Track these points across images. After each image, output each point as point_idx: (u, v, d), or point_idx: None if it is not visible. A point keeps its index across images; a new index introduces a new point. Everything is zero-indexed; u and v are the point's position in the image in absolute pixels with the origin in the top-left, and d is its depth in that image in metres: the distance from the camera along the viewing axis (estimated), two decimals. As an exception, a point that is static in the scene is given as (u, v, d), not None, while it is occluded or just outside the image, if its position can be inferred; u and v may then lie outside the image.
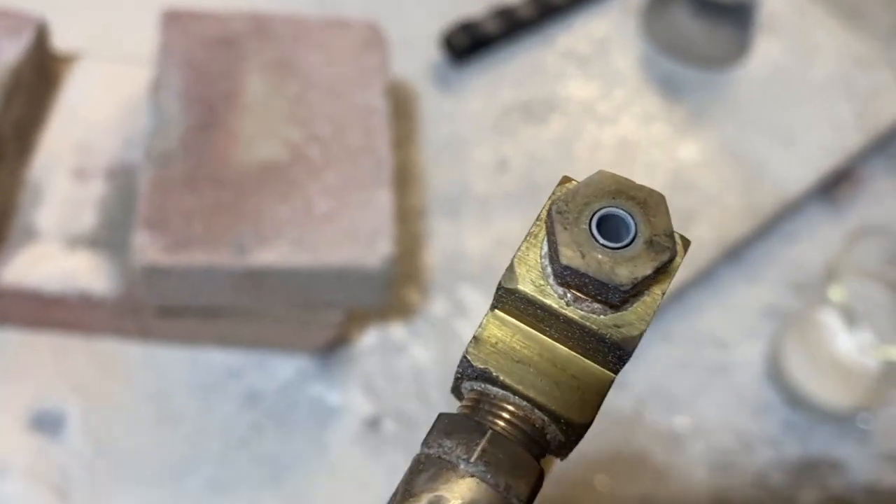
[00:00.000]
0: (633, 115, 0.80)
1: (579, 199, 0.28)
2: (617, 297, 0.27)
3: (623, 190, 0.28)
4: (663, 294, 0.28)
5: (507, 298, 0.29)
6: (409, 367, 0.64)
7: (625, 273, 0.27)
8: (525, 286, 0.29)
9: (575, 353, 0.29)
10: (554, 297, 0.28)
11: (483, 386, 0.29)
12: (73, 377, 0.61)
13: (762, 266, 0.76)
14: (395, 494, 0.27)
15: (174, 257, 0.53)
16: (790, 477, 0.66)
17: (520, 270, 0.29)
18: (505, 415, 0.28)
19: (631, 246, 0.27)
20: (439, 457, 0.27)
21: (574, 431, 0.29)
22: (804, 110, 0.83)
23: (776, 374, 0.69)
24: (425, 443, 0.28)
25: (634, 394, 0.68)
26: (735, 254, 0.75)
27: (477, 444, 0.27)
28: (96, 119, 0.65)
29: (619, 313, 0.28)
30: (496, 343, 0.29)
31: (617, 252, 0.27)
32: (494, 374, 0.29)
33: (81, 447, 0.59)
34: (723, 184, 0.76)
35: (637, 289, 0.27)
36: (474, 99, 0.78)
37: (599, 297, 0.28)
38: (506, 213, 0.72)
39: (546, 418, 0.29)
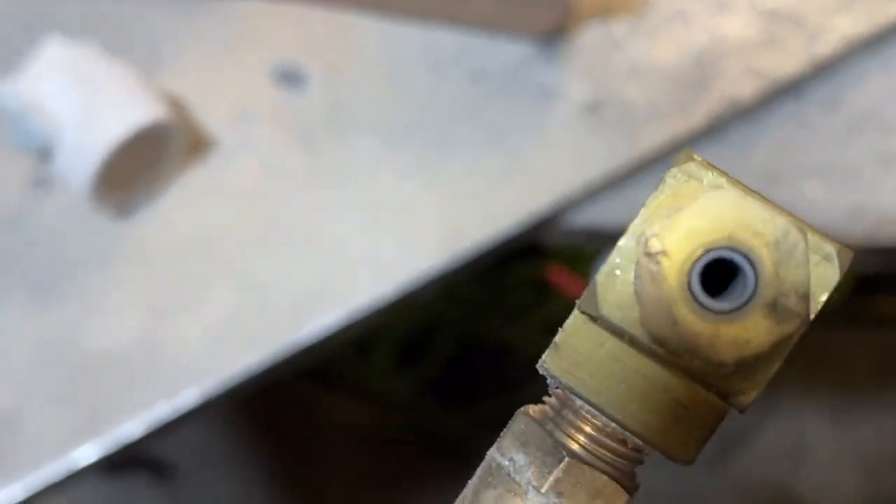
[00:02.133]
0: None
1: (680, 232, 0.20)
2: (719, 372, 0.21)
3: (747, 223, 0.20)
4: (782, 359, 0.21)
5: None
6: (629, 62, 0.65)
7: (729, 350, 0.20)
8: (611, 314, 0.22)
9: (680, 377, 0.22)
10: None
11: (566, 393, 0.24)
12: (313, 43, 0.65)
13: None
14: (463, 499, 0.25)
15: None
16: None
17: (603, 294, 0.22)
18: (589, 430, 0.24)
19: (744, 308, 0.20)
20: (509, 474, 0.24)
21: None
22: None
23: None
24: (498, 446, 0.25)
25: (849, 115, 0.67)
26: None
27: (550, 472, 0.24)
28: None
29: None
30: (582, 353, 0.23)
31: (722, 317, 0.20)
32: (577, 390, 0.23)
33: (320, 101, 0.63)
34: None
35: (746, 365, 0.20)
36: None
37: (698, 366, 0.21)
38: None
39: (639, 441, 0.23)
